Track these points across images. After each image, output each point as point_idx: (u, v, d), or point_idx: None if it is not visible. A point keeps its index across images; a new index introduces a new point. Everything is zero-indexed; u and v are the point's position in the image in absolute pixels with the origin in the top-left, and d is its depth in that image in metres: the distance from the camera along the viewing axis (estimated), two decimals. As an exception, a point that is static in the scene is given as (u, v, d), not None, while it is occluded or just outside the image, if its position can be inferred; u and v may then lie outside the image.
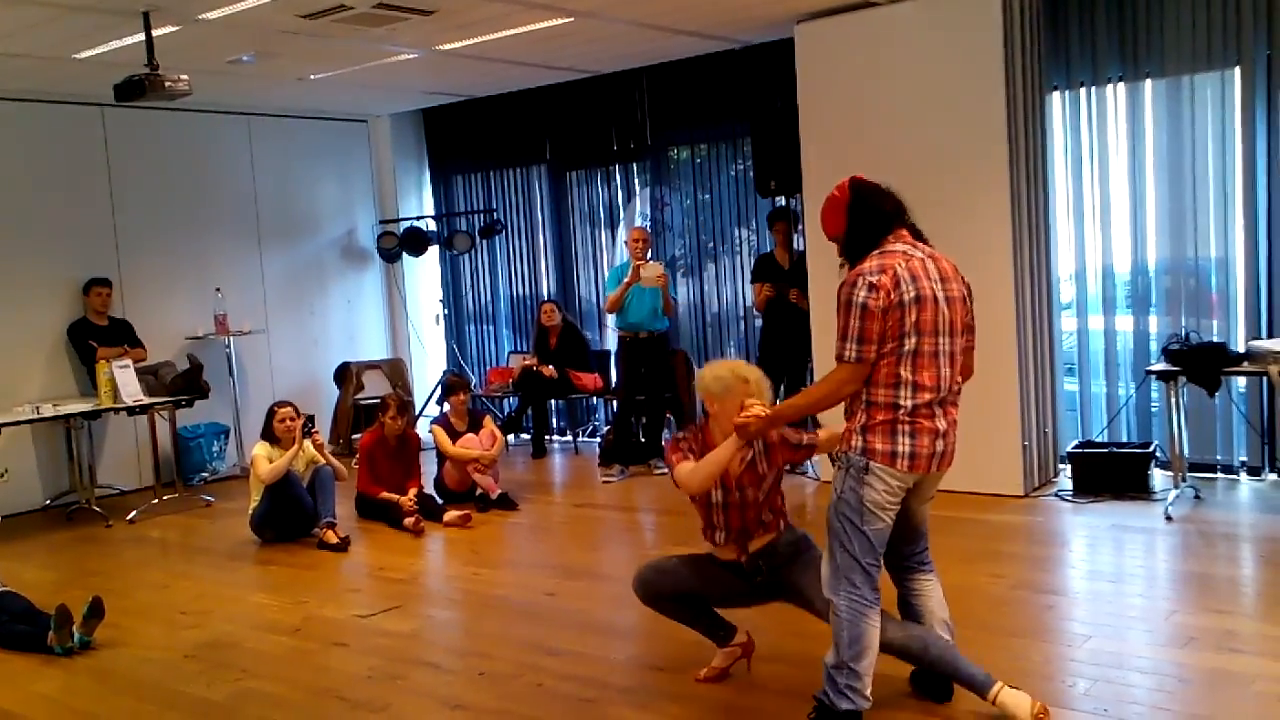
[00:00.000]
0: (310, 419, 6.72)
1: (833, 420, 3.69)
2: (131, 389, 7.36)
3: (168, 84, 6.00)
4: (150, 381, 7.72)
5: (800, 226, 7.38)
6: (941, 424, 3.32)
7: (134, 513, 7.44)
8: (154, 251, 8.58)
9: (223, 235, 9.04)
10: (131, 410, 7.47)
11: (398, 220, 10.01)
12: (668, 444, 3.81)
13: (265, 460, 6.46)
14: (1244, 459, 6.50)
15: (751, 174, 7.85)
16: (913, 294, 3.24)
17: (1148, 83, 6.50)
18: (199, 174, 8.89)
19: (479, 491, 7.08)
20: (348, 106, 9.55)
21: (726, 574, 3.80)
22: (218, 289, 8.64)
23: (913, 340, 3.25)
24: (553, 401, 9.32)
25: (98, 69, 6.69)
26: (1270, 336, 6.14)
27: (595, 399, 9.34)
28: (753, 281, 7.52)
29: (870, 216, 3.37)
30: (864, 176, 3.46)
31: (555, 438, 9.55)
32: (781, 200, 7.59)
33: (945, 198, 5.96)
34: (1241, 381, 6.32)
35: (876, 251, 3.32)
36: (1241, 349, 5.92)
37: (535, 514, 6.97)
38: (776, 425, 3.54)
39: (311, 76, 7.86)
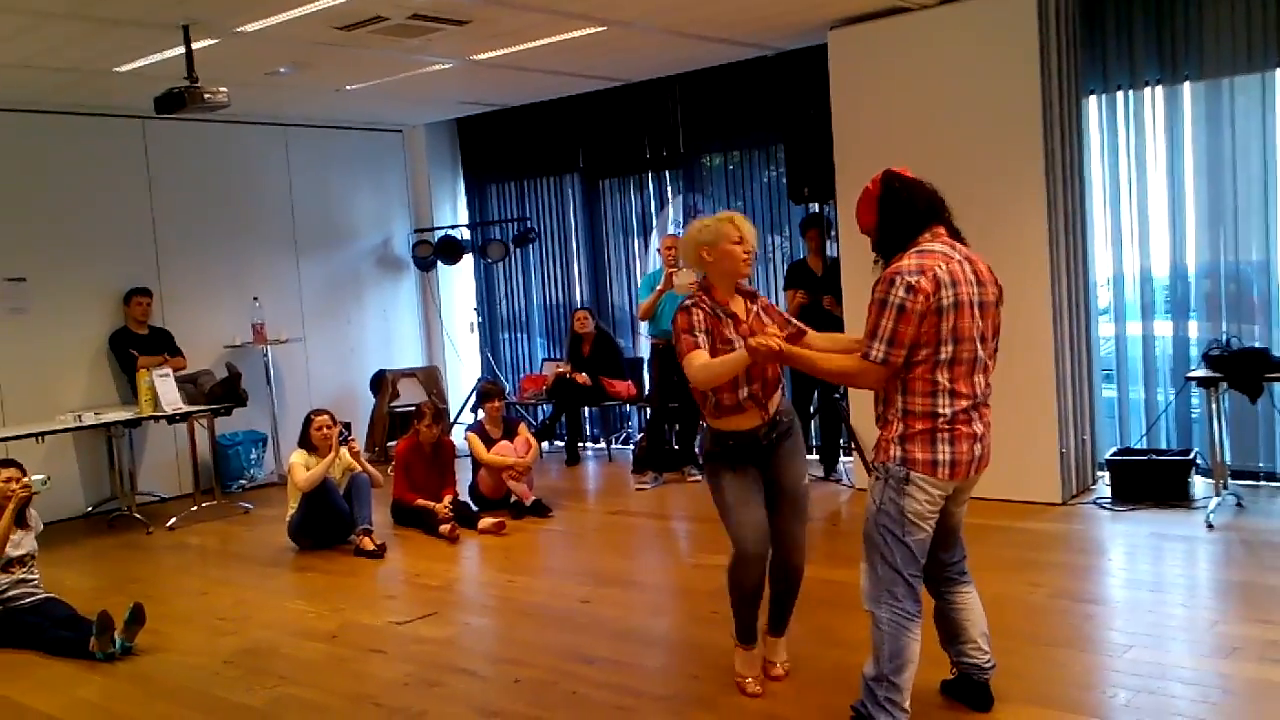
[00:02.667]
0: (346, 426, 6.77)
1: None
2: (171, 397, 7.45)
3: (206, 96, 6.09)
4: (190, 390, 7.81)
5: (833, 233, 7.35)
6: (979, 428, 3.29)
7: (174, 520, 7.52)
8: (193, 261, 8.69)
9: (260, 245, 9.14)
10: (171, 418, 7.57)
11: (433, 229, 10.07)
12: (679, 317, 3.69)
13: (302, 468, 6.52)
14: (1287, 466, 6.40)
15: (784, 181, 7.83)
16: (951, 299, 3.17)
17: (1186, 85, 6.42)
18: (237, 184, 8.99)
19: (513, 499, 7.10)
20: (383, 117, 9.63)
21: (745, 457, 3.75)
22: (255, 298, 8.73)
23: (950, 348, 3.19)
24: (586, 409, 9.34)
25: (138, 82, 6.79)
26: (1314, 342, 6.05)
27: (628, 406, 9.34)
28: (786, 289, 7.50)
29: (902, 211, 3.30)
30: (902, 170, 3.38)
31: (589, 445, 9.57)
32: (815, 207, 7.57)
33: (981, 203, 5.90)
34: (1284, 387, 6.23)
35: (915, 250, 3.23)
36: (1284, 354, 5.83)
37: (569, 521, 6.98)
38: (785, 361, 3.45)
39: (348, 87, 7.94)
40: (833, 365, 3.43)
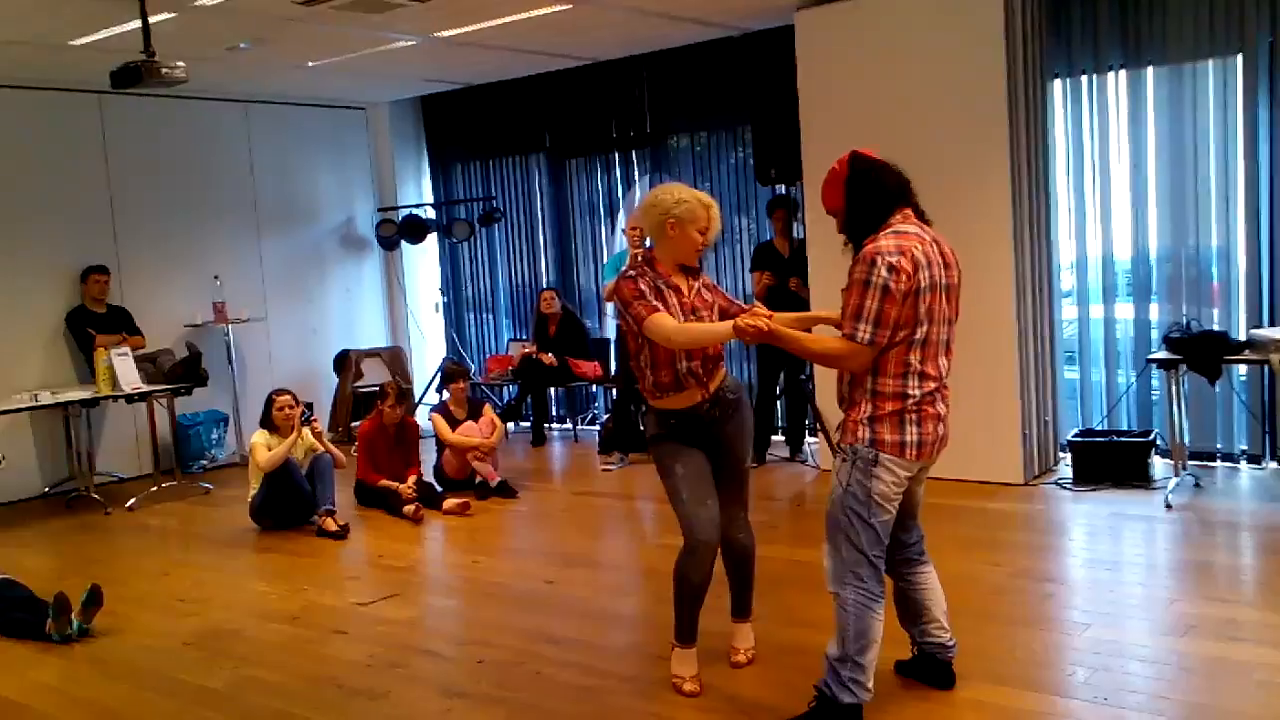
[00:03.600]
0: (309, 407, 6.72)
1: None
2: (130, 377, 7.35)
3: (164, 71, 5.96)
4: (149, 369, 7.71)
5: (800, 215, 7.36)
6: (942, 408, 3.30)
7: (133, 500, 7.43)
8: (152, 239, 8.56)
9: (221, 223, 9.02)
10: (130, 398, 7.47)
11: (397, 208, 9.98)
12: (625, 286, 3.56)
13: (264, 448, 6.46)
14: (1244, 447, 6.49)
15: (751, 162, 7.82)
16: (928, 280, 3.17)
17: (1149, 70, 6.47)
18: (197, 161, 8.86)
19: (478, 479, 7.07)
20: (346, 94, 9.52)
21: (690, 437, 3.70)
22: (216, 277, 8.63)
23: (924, 328, 3.19)
24: (552, 389, 9.32)
25: (94, 56, 6.66)
26: (1271, 325, 6.13)
27: (595, 387, 9.33)
28: (752, 270, 7.50)
29: (871, 193, 3.28)
30: (867, 151, 3.36)
31: (555, 426, 9.55)
32: (781, 188, 7.57)
33: (946, 185, 5.91)
34: (1242, 370, 6.31)
35: (891, 231, 3.22)
36: (1243, 337, 5.90)
37: (535, 502, 6.96)
38: (773, 341, 3.32)
39: (310, 64, 7.83)
40: (819, 346, 3.33)
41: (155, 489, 7.64)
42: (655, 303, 3.54)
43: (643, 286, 3.57)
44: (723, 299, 3.78)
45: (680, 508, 3.69)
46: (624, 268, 3.71)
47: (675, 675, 3.82)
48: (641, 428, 8.01)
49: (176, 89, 6.54)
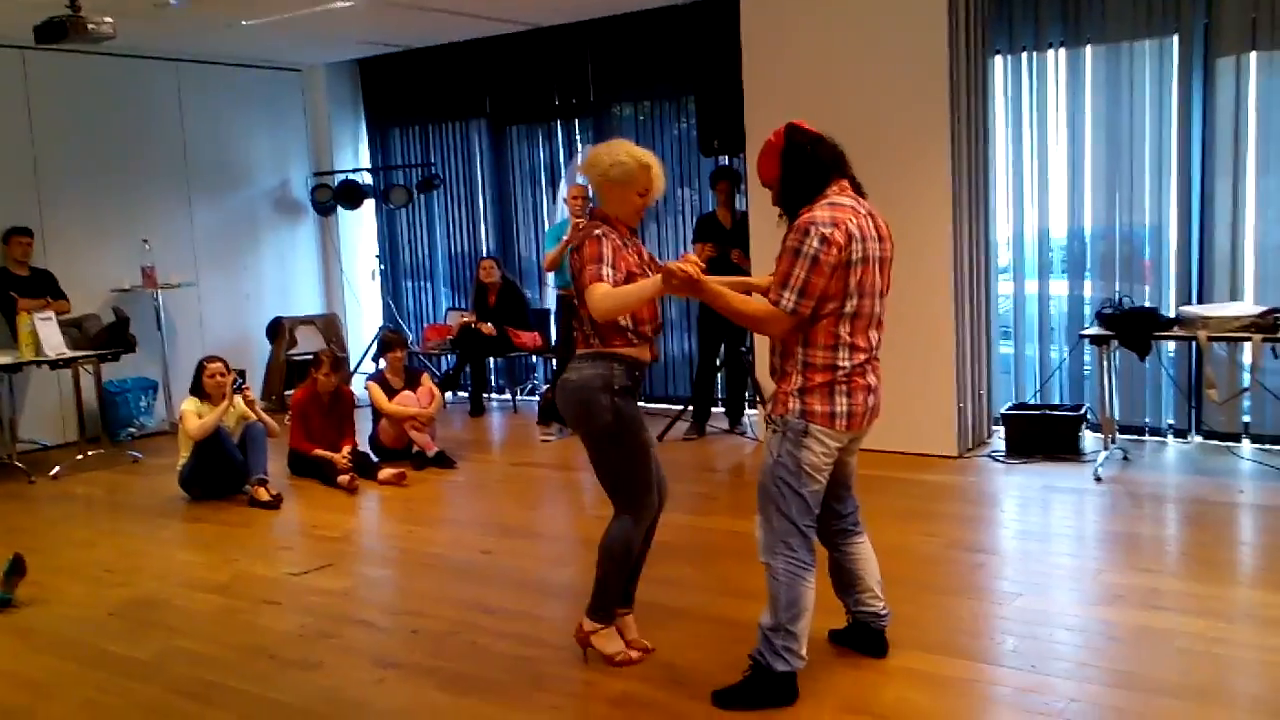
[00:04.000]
0: (241, 374, 6.59)
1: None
2: (54, 341, 7.16)
3: (90, 26, 5.79)
4: (74, 334, 7.51)
5: (743, 186, 7.35)
6: (873, 380, 3.32)
7: (58, 468, 7.25)
8: (78, 200, 8.33)
9: (150, 185, 8.79)
10: (54, 364, 7.27)
11: (333, 173, 9.80)
12: (588, 244, 3.45)
13: (195, 416, 6.33)
14: (1171, 422, 6.64)
15: (695, 133, 7.79)
16: (860, 254, 3.18)
17: (1088, 49, 6.54)
18: (126, 121, 8.62)
19: (416, 449, 7.00)
20: (282, 55, 9.30)
21: (635, 393, 3.64)
22: (145, 240, 8.42)
23: (854, 301, 3.20)
24: (491, 359, 9.25)
25: (17, 9, 6.42)
26: (1200, 302, 6.26)
27: (534, 357, 9.28)
28: (694, 241, 7.47)
29: (807, 165, 3.27)
30: (803, 123, 3.36)
31: (494, 396, 9.48)
32: (724, 160, 7.55)
33: (887, 159, 5.96)
34: (1171, 346, 6.45)
35: (826, 203, 3.22)
36: (1172, 314, 6.02)
37: (472, 472, 6.91)
38: (696, 294, 3.27)
39: (244, 23, 7.63)
40: (744, 306, 3.29)
41: (81, 457, 7.47)
42: (605, 270, 3.40)
43: (604, 250, 3.42)
44: (650, 256, 3.71)
45: (643, 476, 3.61)
46: (592, 228, 3.55)
47: (619, 655, 3.72)
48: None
49: (104, 45, 6.37)
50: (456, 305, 9.76)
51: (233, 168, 9.38)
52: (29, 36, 5.94)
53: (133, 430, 8.33)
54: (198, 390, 6.42)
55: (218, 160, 9.26)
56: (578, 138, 9.06)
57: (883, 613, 3.65)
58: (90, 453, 7.53)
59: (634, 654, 3.75)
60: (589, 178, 3.60)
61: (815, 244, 3.12)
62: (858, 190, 3.34)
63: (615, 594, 3.73)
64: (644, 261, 3.59)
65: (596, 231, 3.50)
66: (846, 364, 3.24)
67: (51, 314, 7.30)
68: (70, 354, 7.29)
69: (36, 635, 4.39)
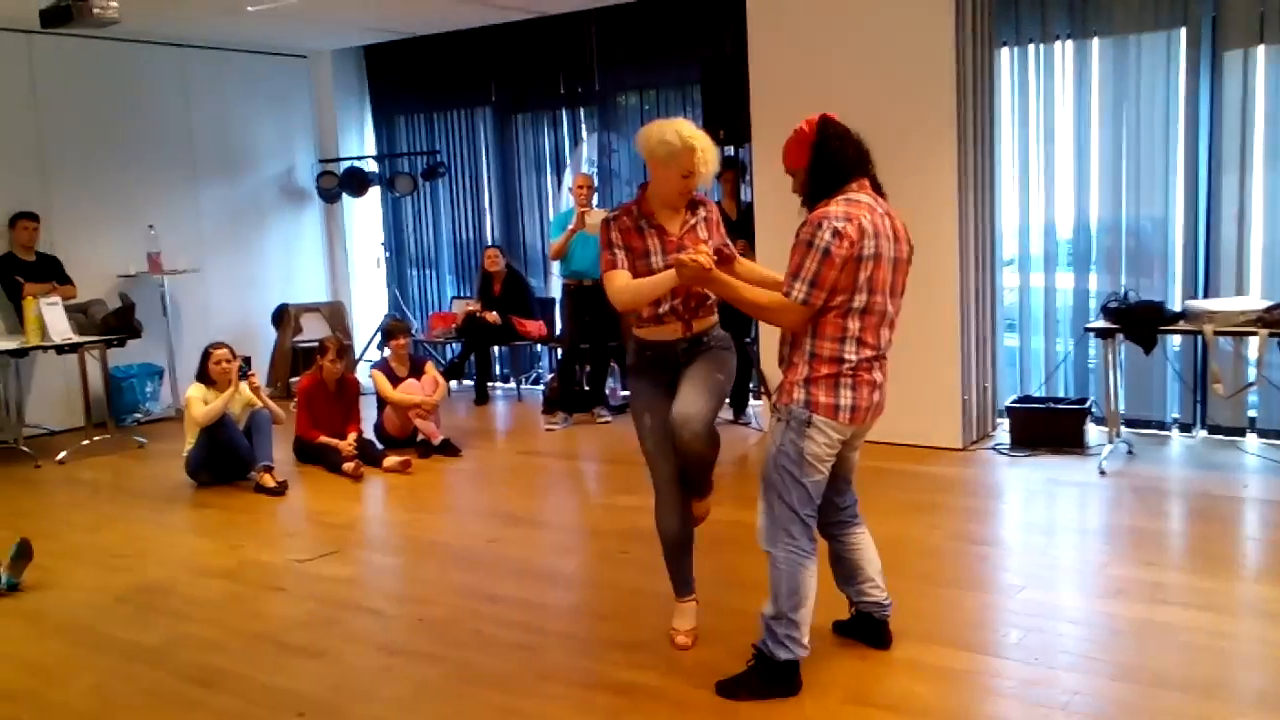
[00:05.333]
0: (247, 361, 6.60)
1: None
2: (60, 327, 7.17)
3: (96, 11, 5.77)
4: (80, 320, 7.52)
5: (748, 177, 7.33)
6: (879, 376, 3.34)
7: (64, 453, 7.28)
8: (84, 186, 8.33)
9: (156, 171, 8.79)
10: (60, 349, 7.29)
11: (338, 160, 9.80)
12: (601, 229, 3.52)
13: (200, 402, 6.34)
14: (1176, 416, 6.64)
15: (701, 122, 7.76)
16: (873, 250, 3.19)
17: (1095, 41, 6.52)
18: (132, 107, 8.62)
19: (420, 437, 7.02)
20: (288, 41, 9.29)
21: (661, 374, 3.60)
22: (151, 226, 8.43)
23: (863, 297, 3.22)
24: (496, 348, 9.26)
25: (24, -7, 6.42)
26: (1206, 296, 6.25)
27: (539, 346, 9.29)
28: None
29: (834, 159, 3.29)
30: (835, 117, 3.37)
31: (498, 385, 9.49)
32: (730, 150, 7.54)
33: (892, 150, 5.86)
34: (1176, 340, 6.44)
35: (844, 198, 3.24)
36: (1178, 308, 6.01)
37: (477, 461, 6.92)
38: (710, 286, 3.31)
39: (250, 9, 7.61)
40: (755, 297, 3.33)
41: (87, 442, 7.49)
42: (617, 254, 3.48)
43: (612, 235, 3.51)
44: (719, 237, 3.66)
45: (647, 456, 3.69)
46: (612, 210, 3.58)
47: (671, 628, 3.84)
48: (587, 388, 8.04)
49: (110, 31, 6.36)
50: (461, 294, 9.77)
51: (238, 154, 9.38)
52: (35, 20, 5.93)
53: (138, 416, 8.36)
54: (203, 376, 6.43)
55: (224, 146, 9.25)
56: (583, 126, 9.05)
57: (885, 602, 3.67)
58: (96, 438, 7.55)
59: (679, 639, 3.80)
60: (642, 152, 3.54)
61: (827, 237, 3.14)
62: (878, 190, 3.36)
63: (669, 570, 3.83)
64: (681, 235, 3.53)
65: (609, 215, 3.57)
66: (853, 358, 3.25)
67: (58, 299, 7.31)
68: (76, 339, 7.31)
69: (43, 620, 4.41)
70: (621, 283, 3.47)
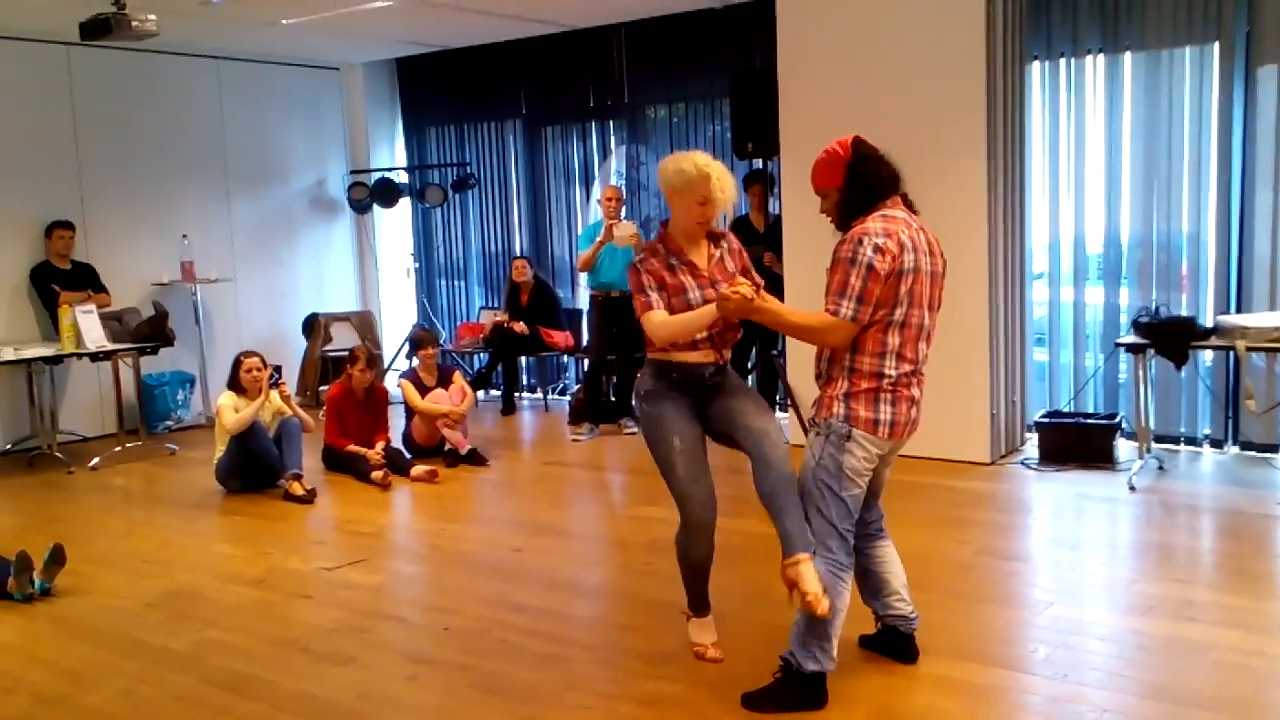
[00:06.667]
0: (277, 369, 6.66)
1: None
2: (95, 334, 7.26)
3: (135, 24, 5.88)
4: (114, 327, 7.61)
5: (776, 190, 7.34)
6: (916, 392, 3.36)
7: (96, 460, 7.36)
8: (119, 195, 8.44)
9: (190, 181, 8.90)
10: (95, 356, 7.38)
11: (369, 171, 9.88)
12: (630, 276, 3.57)
13: (231, 410, 6.40)
14: (1208, 432, 6.57)
15: (729, 135, 7.78)
16: (912, 264, 3.22)
17: (1127, 55, 6.49)
18: (167, 118, 8.73)
19: (448, 447, 7.05)
20: (321, 54, 9.39)
21: (686, 400, 3.60)
22: (184, 235, 8.52)
23: (903, 310, 3.24)
24: (523, 358, 9.29)
25: (64, 6, 6.52)
26: (1238, 312, 6.20)
27: (566, 357, 9.31)
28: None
29: (868, 179, 3.31)
30: (865, 139, 3.39)
31: (525, 395, 9.52)
32: (759, 163, 7.54)
33: (923, 164, 5.88)
34: (1208, 355, 6.38)
35: (879, 215, 3.27)
36: (1210, 324, 5.95)
37: (504, 470, 6.95)
38: (756, 315, 3.33)
39: (284, 21, 7.71)
40: (802, 319, 3.35)
41: (119, 449, 7.57)
42: (651, 296, 3.51)
43: (642, 279, 3.53)
44: (741, 264, 3.69)
45: (675, 485, 3.60)
46: (633, 257, 3.62)
47: (695, 644, 3.83)
48: (613, 399, 8.05)
49: (147, 43, 6.46)
50: (489, 304, 9.81)
51: (271, 165, 9.48)
52: (74, 33, 6.03)
53: (170, 423, 8.44)
54: (234, 385, 6.49)
55: (256, 157, 9.35)
56: (612, 139, 9.09)
57: (911, 615, 3.65)
58: (128, 445, 7.64)
59: (709, 652, 3.80)
60: (661, 185, 3.61)
61: (869, 252, 3.17)
62: (910, 207, 3.38)
63: (689, 591, 3.81)
64: (711, 269, 3.58)
65: (636, 259, 3.60)
66: (893, 373, 3.27)
67: (93, 307, 7.40)
68: (110, 347, 7.39)
69: (76, 625, 4.46)
70: (660, 318, 3.49)
